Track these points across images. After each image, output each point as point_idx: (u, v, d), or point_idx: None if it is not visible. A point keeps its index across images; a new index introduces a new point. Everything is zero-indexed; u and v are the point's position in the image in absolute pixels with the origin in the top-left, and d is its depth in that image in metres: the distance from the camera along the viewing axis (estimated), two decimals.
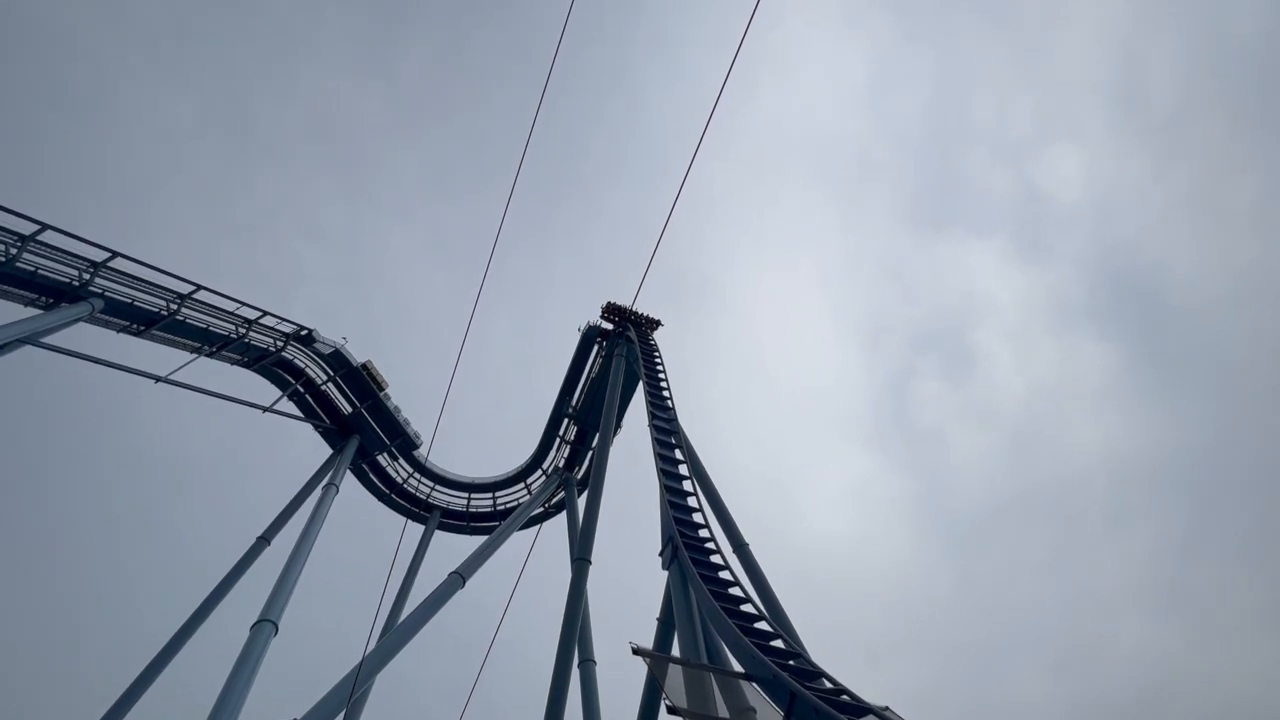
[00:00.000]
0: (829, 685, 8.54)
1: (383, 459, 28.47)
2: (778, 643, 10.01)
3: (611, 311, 24.93)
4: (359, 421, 26.72)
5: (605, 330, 25.20)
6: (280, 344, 24.68)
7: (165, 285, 20.92)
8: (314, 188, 72.82)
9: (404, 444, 28.31)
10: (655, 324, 25.27)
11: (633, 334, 23.71)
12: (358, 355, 26.81)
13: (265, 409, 24.94)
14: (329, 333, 26.42)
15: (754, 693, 9.02)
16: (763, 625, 10.77)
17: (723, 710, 8.73)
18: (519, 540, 25.79)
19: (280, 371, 25.45)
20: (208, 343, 22.69)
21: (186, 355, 22.67)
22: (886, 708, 8.10)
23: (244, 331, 23.12)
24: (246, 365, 24.45)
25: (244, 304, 22.84)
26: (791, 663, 8.96)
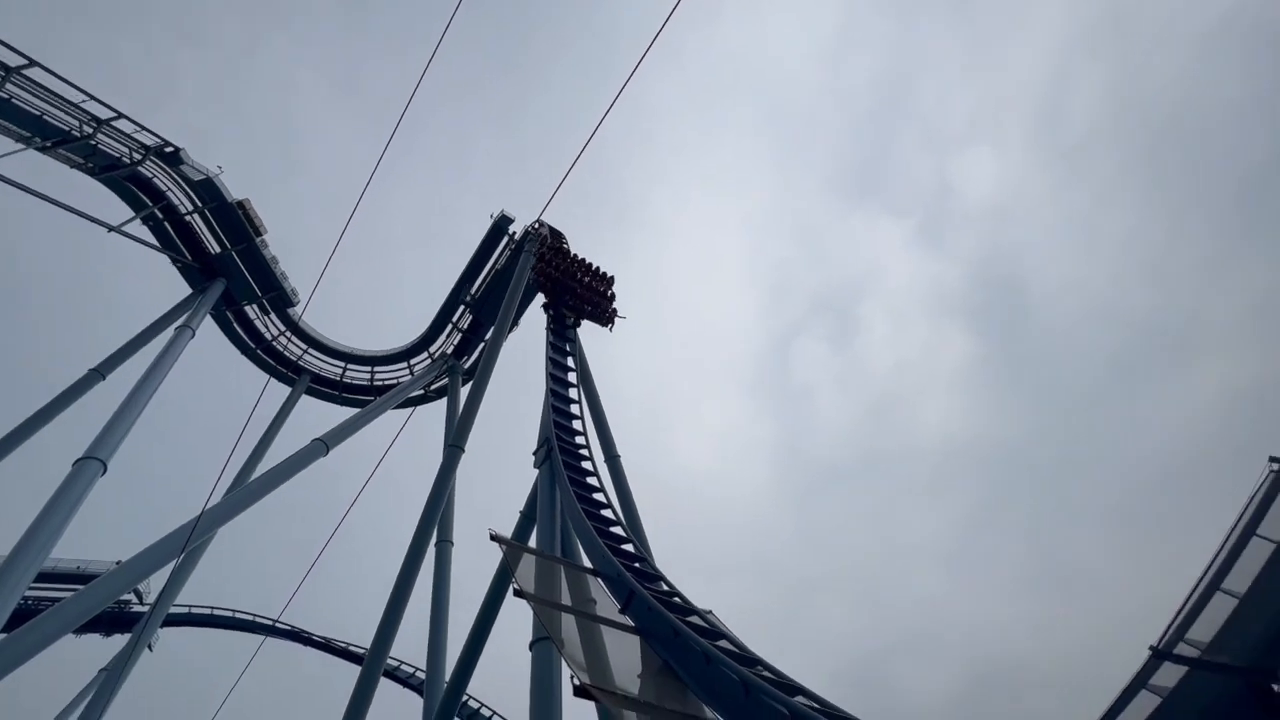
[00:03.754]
0: (665, 588, 9.39)
1: (251, 311, 26.21)
2: (628, 547, 10.78)
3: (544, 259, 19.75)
4: (227, 264, 24.18)
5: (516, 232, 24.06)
6: (138, 156, 21.33)
7: None
8: None
9: (278, 299, 26.15)
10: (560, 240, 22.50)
11: (547, 234, 22.95)
12: (234, 192, 23.88)
13: (111, 228, 21.76)
14: (201, 159, 23.18)
15: (598, 587, 9.74)
16: (618, 530, 11.50)
17: (566, 599, 9.38)
18: (392, 419, 25.25)
19: (134, 189, 22.15)
20: (41, 135, 19.12)
21: (11, 144, 19.01)
22: (710, 611, 9.08)
23: (91, 131, 19.68)
24: (92, 173, 21.01)
25: (94, 98, 19.30)
26: (636, 565, 9.71)
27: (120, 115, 20.04)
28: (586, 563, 10.72)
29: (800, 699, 6.29)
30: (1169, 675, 10.30)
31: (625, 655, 8.00)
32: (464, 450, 18.19)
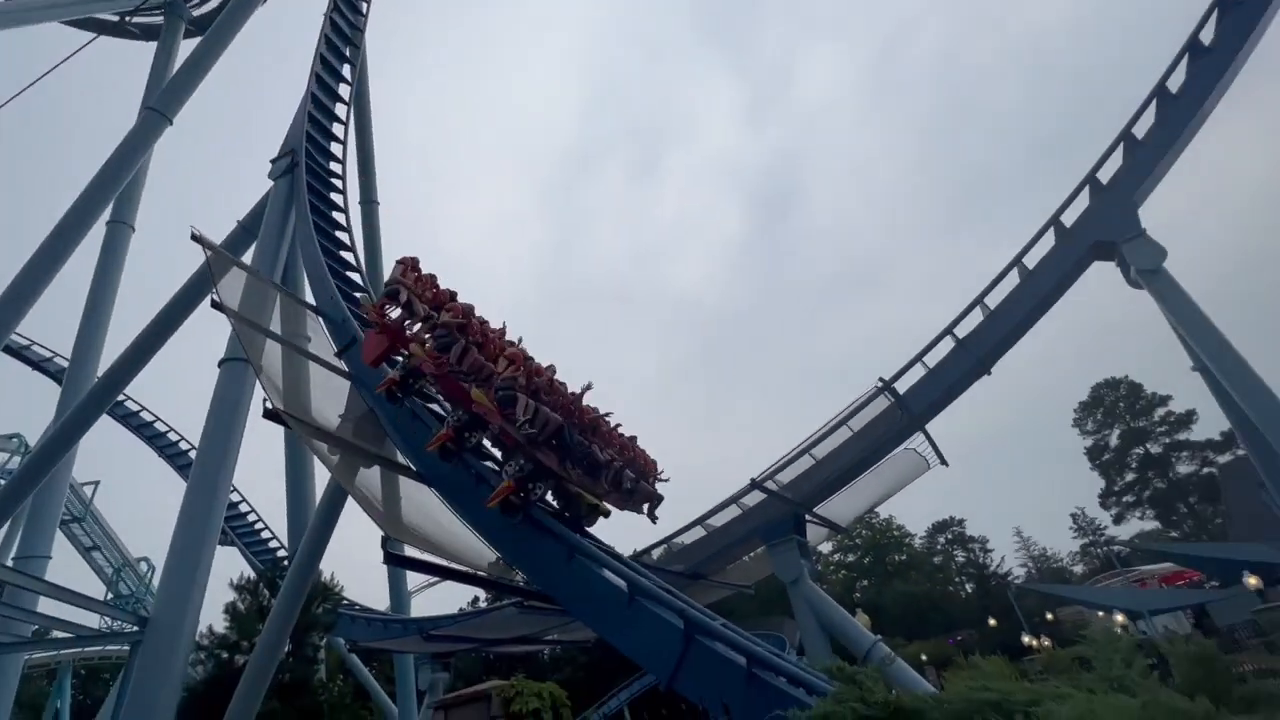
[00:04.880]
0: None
1: None
2: (361, 296, 10.24)
3: None
4: None
5: None
6: None
7: None
8: None
9: None
10: None
11: None
12: None
13: None
14: None
15: (316, 326, 9.22)
16: (354, 276, 10.77)
17: (276, 329, 8.69)
18: (67, 39, 18.39)
19: None
20: None
21: None
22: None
23: None
24: None
25: None
26: (365, 315, 9.36)
27: None
28: (309, 298, 9.96)
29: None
30: (754, 499, 14.45)
31: (329, 397, 7.96)
32: (171, 122, 14.40)
